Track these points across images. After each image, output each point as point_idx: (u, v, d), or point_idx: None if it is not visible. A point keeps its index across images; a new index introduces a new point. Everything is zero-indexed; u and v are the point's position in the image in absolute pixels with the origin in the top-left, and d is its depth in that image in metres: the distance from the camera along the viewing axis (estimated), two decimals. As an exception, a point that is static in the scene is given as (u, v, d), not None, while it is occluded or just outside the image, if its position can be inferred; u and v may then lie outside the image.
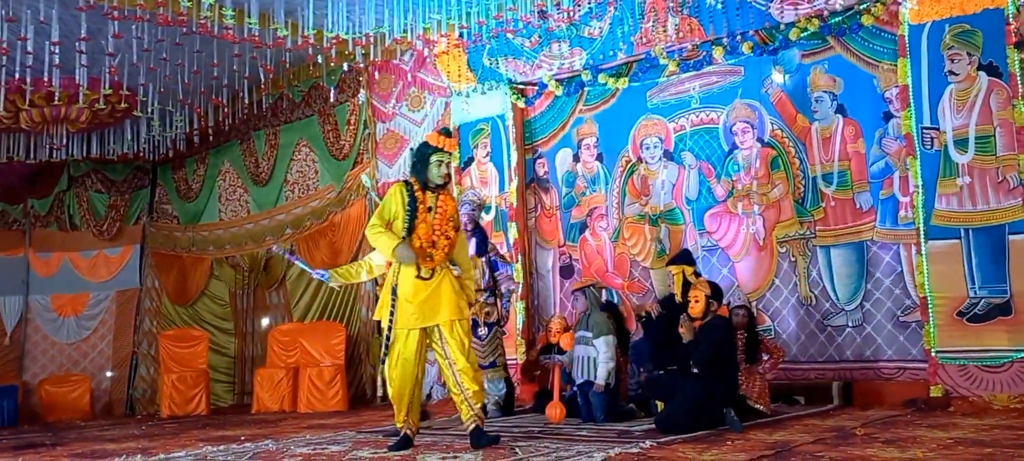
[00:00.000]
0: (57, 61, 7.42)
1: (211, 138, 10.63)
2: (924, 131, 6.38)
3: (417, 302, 4.67)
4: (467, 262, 5.02)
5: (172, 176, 12.23)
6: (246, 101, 9.34)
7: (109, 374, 11.71)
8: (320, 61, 8.25)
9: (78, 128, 9.68)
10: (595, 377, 6.12)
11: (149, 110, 9.16)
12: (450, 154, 4.87)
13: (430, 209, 4.76)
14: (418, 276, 4.68)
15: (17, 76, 7.54)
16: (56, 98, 8.39)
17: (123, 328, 11.91)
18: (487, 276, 6.92)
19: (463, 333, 4.74)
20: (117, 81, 8.44)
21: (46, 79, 7.51)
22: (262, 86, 9.29)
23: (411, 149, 5.03)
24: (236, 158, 11.46)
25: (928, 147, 6.36)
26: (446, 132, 4.89)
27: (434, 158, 4.80)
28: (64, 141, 9.88)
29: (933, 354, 6.21)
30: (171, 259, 11.91)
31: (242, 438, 6.16)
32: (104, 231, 12.03)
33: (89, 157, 10.73)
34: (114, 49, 7.76)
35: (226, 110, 9.51)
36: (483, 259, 6.93)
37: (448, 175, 4.91)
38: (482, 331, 6.88)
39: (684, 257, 6.58)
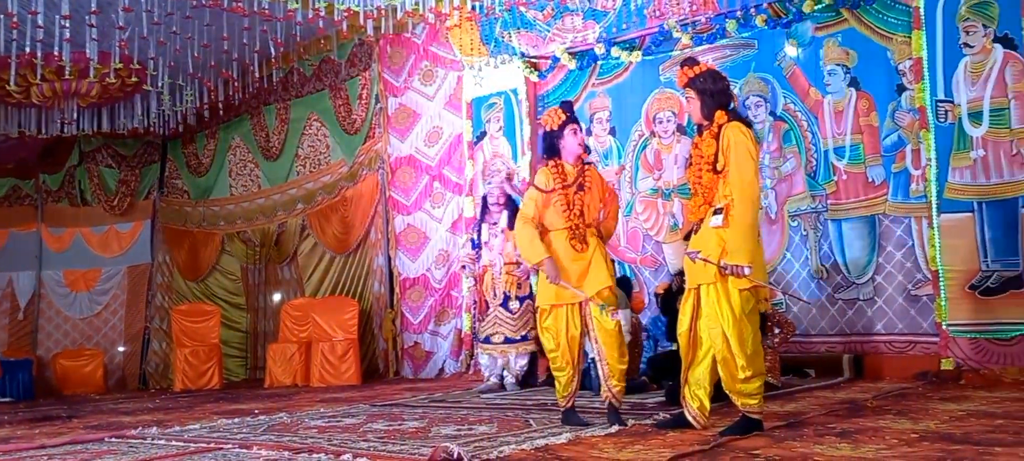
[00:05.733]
0: (67, 35, 7.41)
1: (221, 113, 10.64)
2: (938, 104, 6.35)
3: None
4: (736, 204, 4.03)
5: (182, 151, 12.26)
6: (256, 75, 9.33)
7: (122, 349, 11.80)
8: (331, 35, 8.24)
9: (88, 102, 9.70)
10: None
11: (159, 84, 9.16)
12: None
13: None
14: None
15: (28, 50, 7.54)
16: (67, 72, 8.40)
17: (135, 303, 11.98)
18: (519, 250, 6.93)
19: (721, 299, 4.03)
20: (127, 55, 8.42)
21: (57, 53, 7.52)
22: (273, 60, 9.28)
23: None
24: (246, 133, 11.48)
25: (942, 120, 6.33)
26: (691, 62, 4.32)
27: None
28: (75, 116, 9.90)
29: (944, 327, 6.21)
30: (182, 234, 11.97)
31: (256, 411, 6.21)
32: (115, 206, 12.08)
33: (100, 132, 10.74)
34: (124, 22, 7.75)
35: (236, 84, 9.50)
36: (514, 232, 6.93)
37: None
38: (513, 305, 6.91)
39: None
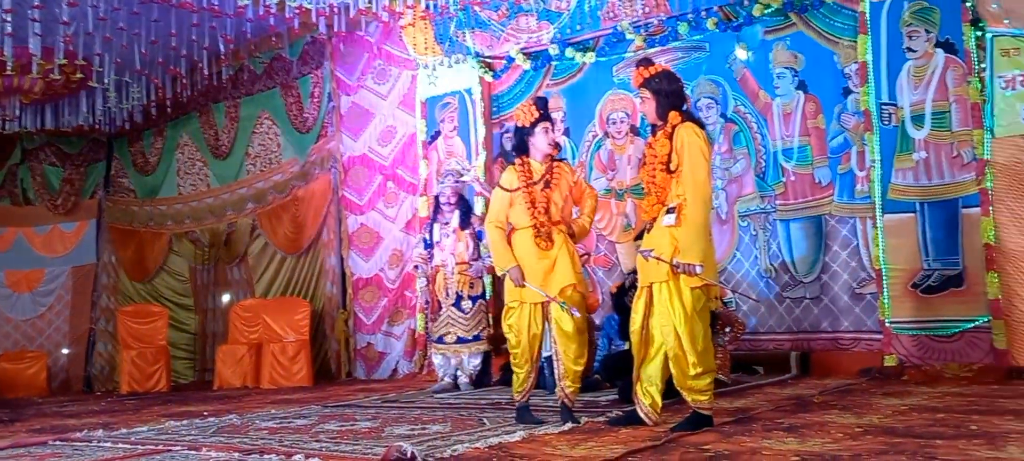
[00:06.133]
0: (9, 29, 7.23)
1: (169, 110, 10.46)
2: (882, 107, 6.51)
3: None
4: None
5: (128, 149, 12.02)
6: (205, 72, 9.18)
7: (66, 351, 11.54)
8: (282, 32, 8.15)
9: (31, 99, 9.45)
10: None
11: (105, 81, 8.96)
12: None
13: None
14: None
15: (-32, 45, 7.34)
16: (8, 68, 8.20)
17: (80, 304, 11.73)
18: (472, 249, 6.94)
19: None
20: (72, 51, 8.24)
21: (-2, 48, 7.33)
22: (222, 57, 9.14)
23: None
24: (195, 131, 11.29)
25: (886, 122, 6.49)
26: (647, 62, 4.39)
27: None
28: (17, 113, 9.63)
29: (887, 324, 6.37)
30: (128, 234, 11.73)
31: (205, 413, 6.12)
32: (59, 206, 11.82)
33: (43, 130, 10.49)
34: (69, 18, 7.59)
35: (184, 81, 9.35)
36: (467, 232, 6.94)
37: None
38: (466, 304, 6.90)
39: None
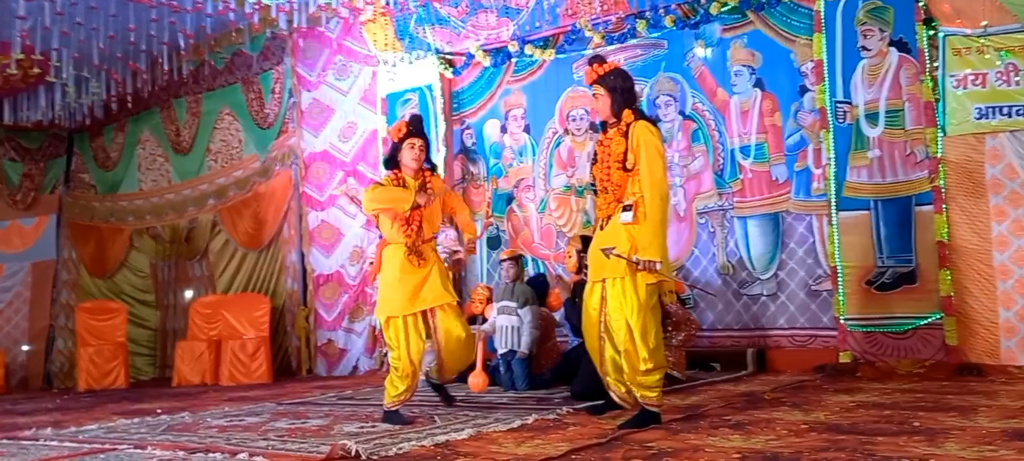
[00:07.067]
0: (-37, 24, 7.12)
1: (130, 105, 10.32)
2: (837, 105, 6.56)
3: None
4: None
5: (89, 144, 11.88)
6: (165, 67, 9.07)
7: (25, 348, 11.38)
8: (243, 27, 8.08)
9: (-12, 93, 9.32)
10: (519, 346, 6.21)
11: (63, 76, 8.83)
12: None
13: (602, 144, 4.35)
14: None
15: (-80, 38, 7.21)
16: (-36, 62, 8.07)
17: (39, 301, 11.56)
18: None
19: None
20: (29, 45, 8.12)
21: (-48, 42, 7.21)
22: (182, 52, 9.03)
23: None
24: (156, 126, 11.17)
25: (841, 121, 6.55)
26: (599, 59, 4.41)
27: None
28: (-26, 107, 9.49)
29: (842, 321, 6.43)
30: (89, 230, 11.59)
31: (158, 411, 6.07)
32: (19, 201, 11.65)
33: (1, 124, 10.33)
34: (25, 12, 7.46)
35: (145, 77, 9.24)
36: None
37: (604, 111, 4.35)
38: None
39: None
